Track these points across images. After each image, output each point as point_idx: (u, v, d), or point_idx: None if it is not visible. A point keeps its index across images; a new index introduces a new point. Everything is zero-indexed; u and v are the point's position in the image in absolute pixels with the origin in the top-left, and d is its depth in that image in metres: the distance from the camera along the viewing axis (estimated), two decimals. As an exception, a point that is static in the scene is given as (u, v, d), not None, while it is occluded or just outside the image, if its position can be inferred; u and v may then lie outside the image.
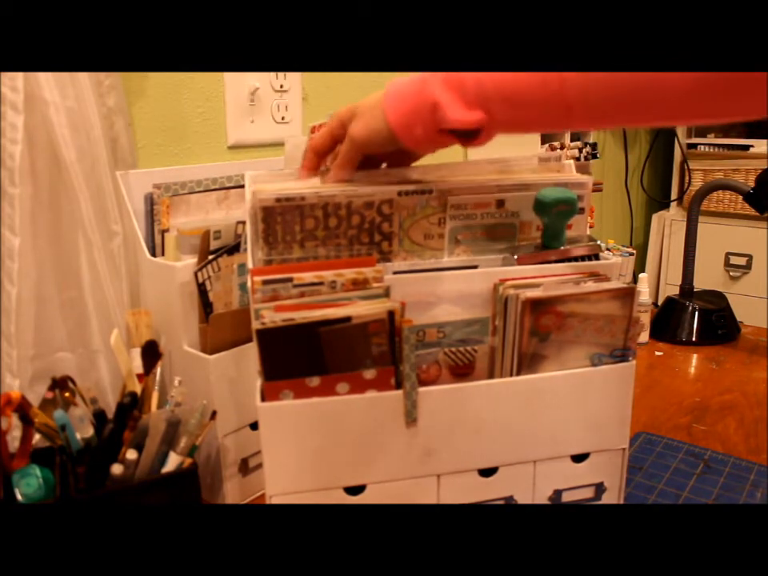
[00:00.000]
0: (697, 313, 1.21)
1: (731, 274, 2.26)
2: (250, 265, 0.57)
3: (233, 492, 0.74)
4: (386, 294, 0.54)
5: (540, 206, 0.61)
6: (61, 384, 0.67)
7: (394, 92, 0.55)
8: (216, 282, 0.71)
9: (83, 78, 0.72)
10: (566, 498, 0.62)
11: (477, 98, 0.52)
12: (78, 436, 0.63)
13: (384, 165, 0.63)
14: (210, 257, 0.70)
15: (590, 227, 0.85)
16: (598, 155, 1.61)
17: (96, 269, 0.76)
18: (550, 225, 0.62)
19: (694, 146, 2.31)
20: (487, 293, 0.58)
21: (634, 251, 1.37)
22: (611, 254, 1.31)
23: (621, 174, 2.23)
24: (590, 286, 0.58)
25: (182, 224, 0.77)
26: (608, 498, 0.63)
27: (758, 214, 1.14)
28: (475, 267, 0.62)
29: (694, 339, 1.20)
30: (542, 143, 1.43)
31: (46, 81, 0.69)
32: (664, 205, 2.47)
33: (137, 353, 0.71)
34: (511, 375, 0.58)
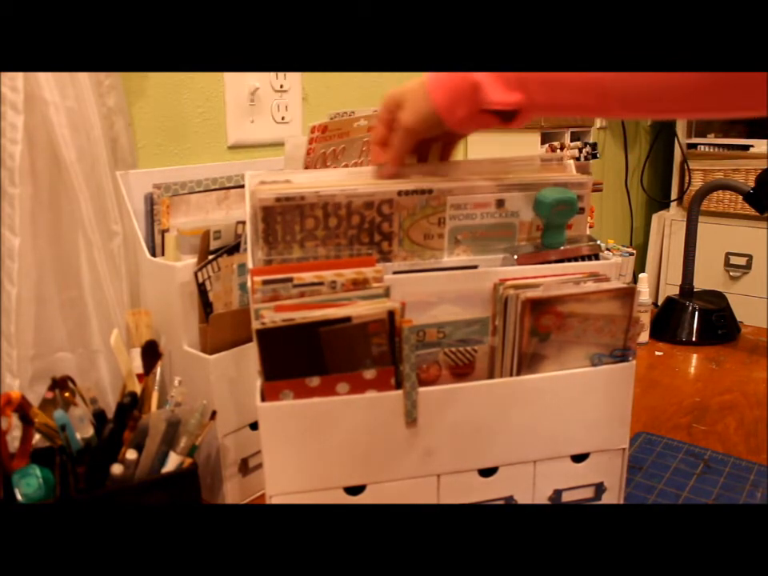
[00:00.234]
0: (697, 313, 1.21)
1: (731, 274, 2.26)
2: (250, 265, 0.57)
3: (233, 492, 0.74)
4: (386, 293, 0.54)
5: (540, 206, 0.61)
6: (61, 384, 0.67)
7: (438, 77, 0.57)
8: (216, 281, 0.71)
9: (83, 77, 0.72)
10: (566, 498, 0.62)
11: (516, 79, 0.53)
12: (78, 436, 0.63)
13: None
14: (210, 257, 0.70)
15: (590, 227, 0.85)
16: (598, 155, 1.61)
17: (96, 269, 0.76)
18: (550, 225, 0.62)
19: (694, 145, 2.32)
20: (487, 293, 0.58)
21: (634, 251, 1.37)
22: (611, 253, 1.31)
23: (621, 173, 2.23)
24: (590, 285, 0.58)
25: (182, 224, 0.77)
26: (608, 498, 0.63)
27: (758, 213, 1.14)
28: (475, 267, 0.62)
29: (693, 339, 1.20)
30: (542, 143, 1.43)
31: (46, 81, 0.69)
32: (664, 205, 2.48)
33: (137, 353, 0.71)
34: (511, 375, 0.58)
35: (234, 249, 0.72)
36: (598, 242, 0.65)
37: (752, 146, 2.19)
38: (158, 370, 0.70)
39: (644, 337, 1.19)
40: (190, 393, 0.69)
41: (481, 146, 1.58)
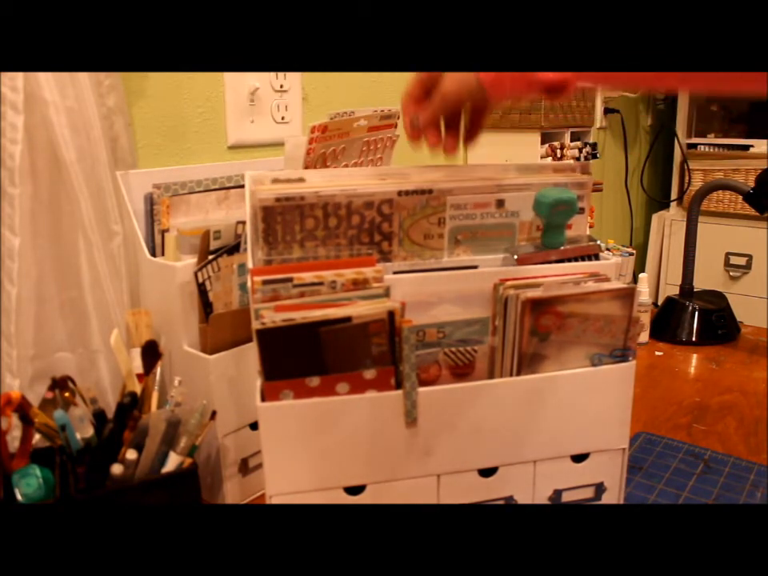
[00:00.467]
0: (697, 313, 1.21)
1: (731, 274, 2.26)
2: (249, 265, 0.57)
3: (233, 492, 0.74)
4: (386, 294, 0.54)
5: (540, 206, 0.61)
6: (61, 384, 0.67)
7: None
8: (216, 281, 0.71)
9: (83, 77, 0.72)
10: (566, 498, 0.62)
11: None
12: (78, 436, 0.63)
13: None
14: (210, 257, 0.70)
15: (590, 227, 0.85)
16: (598, 155, 1.60)
17: (96, 269, 0.76)
18: (550, 225, 0.62)
19: (694, 145, 2.32)
20: (487, 293, 0.58)
21: (634, 251, 1.37)
22: (611, 253, 1.31)
23: (621, 173, 2.24)
24: (590, 286, 0.58)
25: (182, 224, 0.77)
26: (608, 498, 0.63)
27: (758, 213, 1.14)
28: (475, 267, 0.62)
29: (693, 339, 1.20)
30: (542, 143, 1.43)
31: (46, 81, 0.69)
32: (664, 205, 2.48)
33: (137, 353, 0.71)
34: (511, 375, 0.58)
35: (234, 249, 0.72)
36: (598, 242, 0.65)
37: (752, 146, 2.19)
38: (158, 370, 0.70)
39: (644, 337, 1.19)
40: (190, 393, 0.69)
41: (481, 146, 1.58)
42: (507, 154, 1.42)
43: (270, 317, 0.51)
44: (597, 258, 0.64)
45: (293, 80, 1.07)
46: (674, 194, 2.40)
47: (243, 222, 0.74)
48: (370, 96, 1.24)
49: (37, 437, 0.65)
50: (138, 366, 0.70)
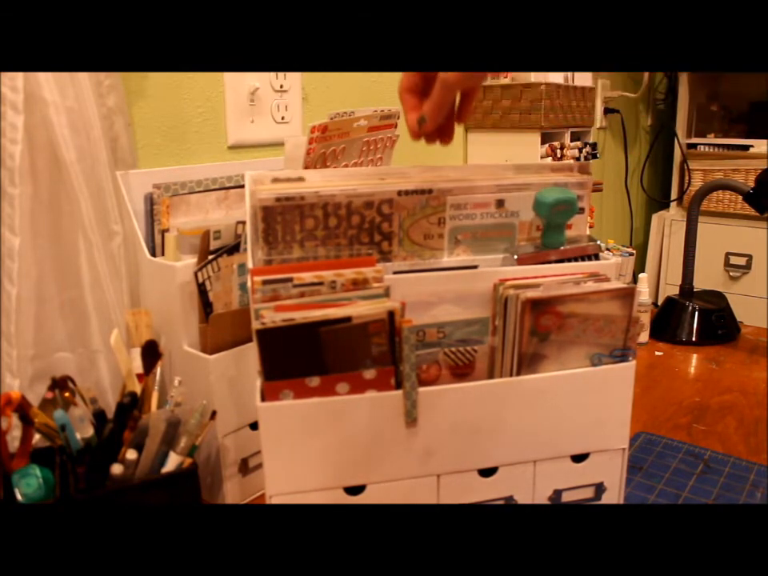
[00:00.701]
0: (697, 313, 1.21)
1: (731, 274, 2.26)
2: (250, 265, 0.57)
3: (233, 492, 0.74)
4: (386, 294, 0.54)
5: (540, 206, 0.61)
6: (61, 384, 0.67)
7: None
8: (216, 281, 0.71)
9: (83, 77, 0.72)
10: (566, 498, 0.62)
11: None
12: (78, 436, 0.63)
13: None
14: (210, 257, 0.70)
15: (590, 227, 0.85)
16: (598, 155, 1.61)
17: (96, 269, 0.76)
18: (550, 225, 0.62)
19: (694, 145, 2.32)
20: (487, 293, 0.58)
21: (634, 251, 1.37)
22: (611, 253, 1.31)
23: (621, 173, 2.24)
24: (590, 286, 0.58)
25: (182, 224, 0.77)
26: (608, 498, 0.63)
27: (758, 213, 1.14)
28: (475, 267, 0.62)
29: (693, 339, 1.20)
30: (542, 143, 1.43)
31: (46, 81, 0.69)
32: (664, 205, 2.48)
33: (137, 353, 0.71)
34: (511, 375, 0.58)
35: (234, 249, 0.72)
36: (598, 242, 0.65)
37: (752, 146, 2.19)
38: (158, 370, 0.70)
39: (644, 337, 1.19)
40: (190, 393, 0.69)
41: (481, 146, 1.58)
42: (507, 154, 1.42)
43: (270, 317, 0.51)
44: (597, 257, 0.64)
45: (293, 80, 1.07)
46: (673, 194, 2.40)
47: (243, 222, 0.74)
48: (370, 96, 1.24)
49: (37, 437, 0.65)
50: (138, 366, 0.70)
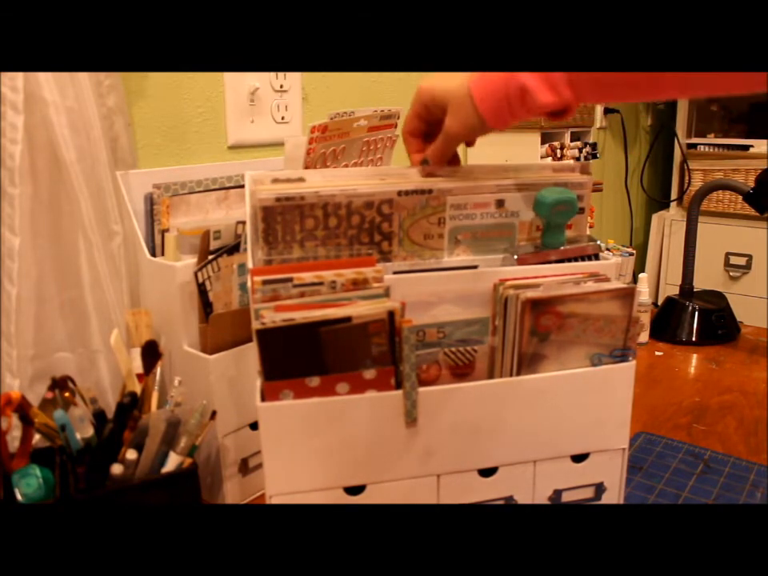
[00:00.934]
0: (697, 313, 1.21)
1: (731, 274, 2.26)
2: (249, 265, 0.57)
3: (233, 492, 0.74)
4: (386, 294, 0.54)
5: (540, 206, 0.61)
6: (61, 384, 0.67)
7: (482, 83, 0.55)
8: (216, 281, 0.71)
9: (83, 77, 0.72)
10: (566, 498, 0.62)
11: (564, 79, 0.52)
12: (78, 436, 0.63)
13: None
14: (210, 257, 0.70)
15: (590, 227, 0.85)
16: (598, 155, 1.61)
17: (96, 269, 0.76)
18: (550, 225, 0.62)
19: (694, 145, 2.32)
20: (487, 293, 0.58)
21: (634, 251, 1.37)
22: (611, 253, 1.31)
23: (621, 173, 2.24)
24: (590, 286, 0.58)
25: (182, 224, 0.77)
26: (608, 498, 0.63)
27: (758, 213, 1.14)
28: (475, 267, 0.62)
29: (693, 339, 1.20)
30: (542, 143, 1.43)
31: (46, 81, 0.69)
32: (664, 205, 2.48)
33: (137, 353, 0.71)
34: (511, 375, 0.58)
35: (233, 249, 0.72)
36: (598, 242, 0.65)
37: (752, 146, 2.19)
38: (158, 370, 0.70)
39: (644, 337, 1.19)
40: (190, 393, 0.69)
41: (481, 147, 1.58)
42: (507, 154, 1.42)
43: (270, 317, 0.51)
44: (597, 257, 0.64)
45: (293, 80, 1.07)
46: (673, 194, 2.40)
47: (243, 222, 0.74)
48: (370, 96, 1.24)
49: (37, 437, 0.65)
50: (138, 366, 0.70)
